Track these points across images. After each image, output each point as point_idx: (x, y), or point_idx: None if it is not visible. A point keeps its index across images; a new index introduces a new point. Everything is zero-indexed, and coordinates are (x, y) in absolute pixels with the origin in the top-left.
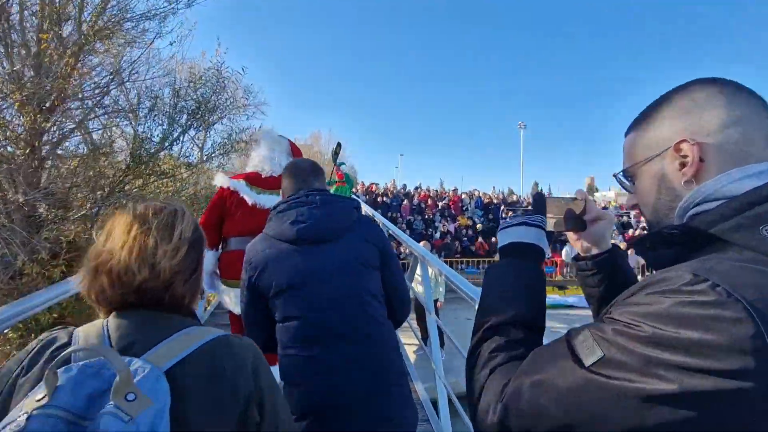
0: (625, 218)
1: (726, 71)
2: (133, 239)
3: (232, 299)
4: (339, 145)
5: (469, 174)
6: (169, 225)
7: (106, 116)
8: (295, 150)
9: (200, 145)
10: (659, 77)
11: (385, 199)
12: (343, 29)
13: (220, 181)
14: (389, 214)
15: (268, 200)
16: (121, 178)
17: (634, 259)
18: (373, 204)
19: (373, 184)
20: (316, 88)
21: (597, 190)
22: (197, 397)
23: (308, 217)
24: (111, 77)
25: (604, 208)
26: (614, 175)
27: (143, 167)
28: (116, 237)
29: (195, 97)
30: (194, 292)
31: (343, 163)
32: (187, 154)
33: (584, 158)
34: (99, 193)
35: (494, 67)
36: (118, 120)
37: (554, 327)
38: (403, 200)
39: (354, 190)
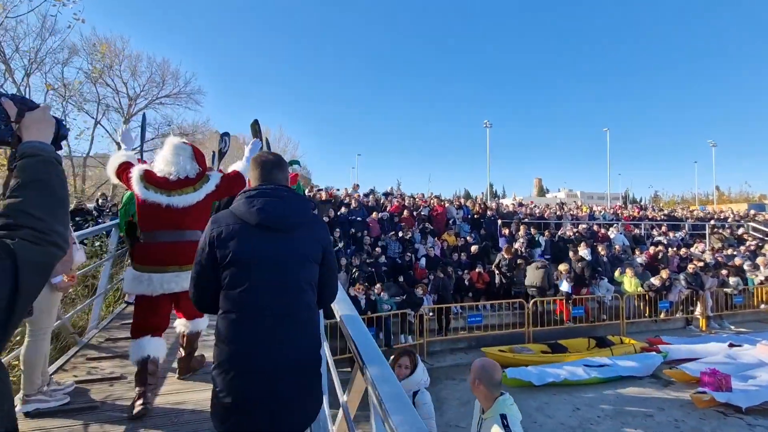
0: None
1: None
2: None
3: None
4: (256, 122)
5: (433, 173)
6: None
7: None
8: (198, 155)
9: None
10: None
11: (344, 209)
12: (297, 23)
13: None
14: (352, 232)
15: (156, 199)
16: None
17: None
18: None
19: (331, 191)
20: (267, 83)
21: (547, 191)
22: None
23: (273, 207)
24: None
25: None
26: None
27: None
28: None
29: None
30: None
31: (297, 162)
32: None
33: (534, 160)
34: None
35: (459, 64)
36: None
37: None
38: (370, 211)
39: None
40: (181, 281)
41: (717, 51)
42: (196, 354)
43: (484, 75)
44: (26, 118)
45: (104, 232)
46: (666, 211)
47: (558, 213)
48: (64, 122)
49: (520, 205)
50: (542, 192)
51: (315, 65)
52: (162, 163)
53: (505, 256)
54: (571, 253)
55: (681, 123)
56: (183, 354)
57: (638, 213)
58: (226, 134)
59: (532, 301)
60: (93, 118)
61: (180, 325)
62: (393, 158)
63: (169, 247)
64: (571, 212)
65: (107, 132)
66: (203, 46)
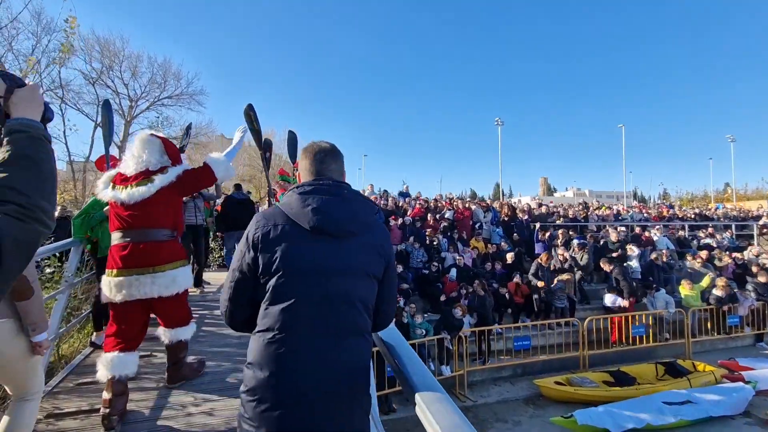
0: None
1: None
2: None
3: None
4: (250, 106)
5: (438, 173)
6: None
7: None
8: (170, 149)
9: None
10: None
11: None
12: (296, 25)
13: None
14: None
15: (116, 196)
16: None
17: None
18: None
19: None
20: (272, 85)
21: (554, 190)
22: None
23: (331, 209)
24: None
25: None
26: None
27: None
28: None
29: None
30: None
31: None
32: None
33: (539, 159)
34: None
35: (464, 65)
36: None
37: None
38: (386, 215)
39: None
40: (141, 286)
41: (724, 51)
42: (188, 360)
43: (492, 74)
44: (15, 94)
45: (56, 254)
46: (696, 210)
47: (583, 214)
48: (50, 105)
49: (540, 205)
50: (549, 191)
51: (320, 66)
52: (129, 159)
53: (543, 264)
54: (602, 262)
55: (694, 119)
56: (168, 364)
57: (667, 212)
58: (190, 127)
59: (587, 319)
60: (92, 120)
61: (160, 333)
62: (399, 159)
63: (129, 247)
64: (597, 212)
65: None
66: (207, 48)
